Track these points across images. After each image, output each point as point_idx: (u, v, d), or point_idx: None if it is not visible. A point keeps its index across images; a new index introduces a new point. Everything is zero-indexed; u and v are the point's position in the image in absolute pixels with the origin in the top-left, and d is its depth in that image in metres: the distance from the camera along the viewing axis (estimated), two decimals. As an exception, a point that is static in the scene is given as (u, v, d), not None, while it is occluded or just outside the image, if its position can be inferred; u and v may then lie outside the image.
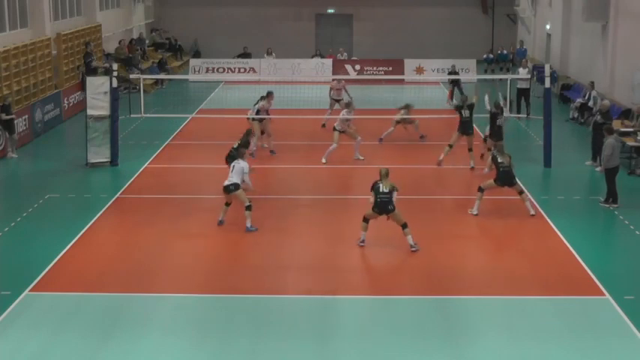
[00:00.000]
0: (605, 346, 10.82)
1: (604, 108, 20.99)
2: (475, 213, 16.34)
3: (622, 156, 20.25)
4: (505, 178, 16.32)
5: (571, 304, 12.25)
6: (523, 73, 27.64)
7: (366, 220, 14.62)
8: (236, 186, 15.39)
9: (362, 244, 14.62)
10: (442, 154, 20.18)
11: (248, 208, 15.41)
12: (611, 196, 17.13)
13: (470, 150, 20.12)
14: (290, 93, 26.53)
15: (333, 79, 27.35)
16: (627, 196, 17.34)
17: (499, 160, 16.34)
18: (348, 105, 21.23)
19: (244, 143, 17.10)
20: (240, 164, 15.54)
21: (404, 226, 14.44)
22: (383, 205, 14.35)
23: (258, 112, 21.14)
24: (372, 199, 14.46)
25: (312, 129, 24.28)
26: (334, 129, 20.52)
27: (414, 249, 14.31)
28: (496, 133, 19.95)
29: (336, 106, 24.88)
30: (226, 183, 15.49)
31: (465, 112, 20.26)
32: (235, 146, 16.83)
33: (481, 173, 19.06)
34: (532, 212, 16.28)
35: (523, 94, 27.25)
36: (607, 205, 17.05)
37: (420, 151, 22.09)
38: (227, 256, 14.24)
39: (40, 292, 12.62)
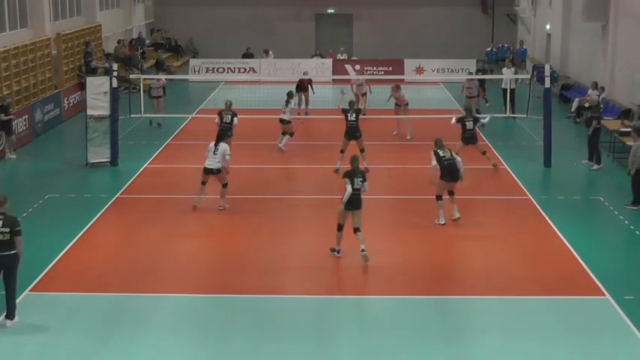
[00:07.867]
0: (605, 346, 10.82)
1: (592, 102, 21.11)
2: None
3: (622, 156, 20.29)
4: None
5: (571, 304, 12.24)
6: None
7: (439, 197, 15.79)
8: (219, 170, 16.46)
9: (442, 222, 15.73)
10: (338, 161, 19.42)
11: (225, 185, 16.54)
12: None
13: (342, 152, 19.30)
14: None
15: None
16: (627, 195, 17.31)
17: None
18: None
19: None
20: (223, 146, 16.52)
21: (451, 192, 15.84)
22: (451, 170, 15.65)
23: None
24: (435, 164, 15.63)
25: (312, 129, 24.27)
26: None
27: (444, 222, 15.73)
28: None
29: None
30: (210, 166, 16.42)
31: (352, 116, 19.36)
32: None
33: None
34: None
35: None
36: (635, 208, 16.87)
37: (420, 151, 22.04)
38: (227, 256, 14.23)
39: (40, 292, 12.62)
